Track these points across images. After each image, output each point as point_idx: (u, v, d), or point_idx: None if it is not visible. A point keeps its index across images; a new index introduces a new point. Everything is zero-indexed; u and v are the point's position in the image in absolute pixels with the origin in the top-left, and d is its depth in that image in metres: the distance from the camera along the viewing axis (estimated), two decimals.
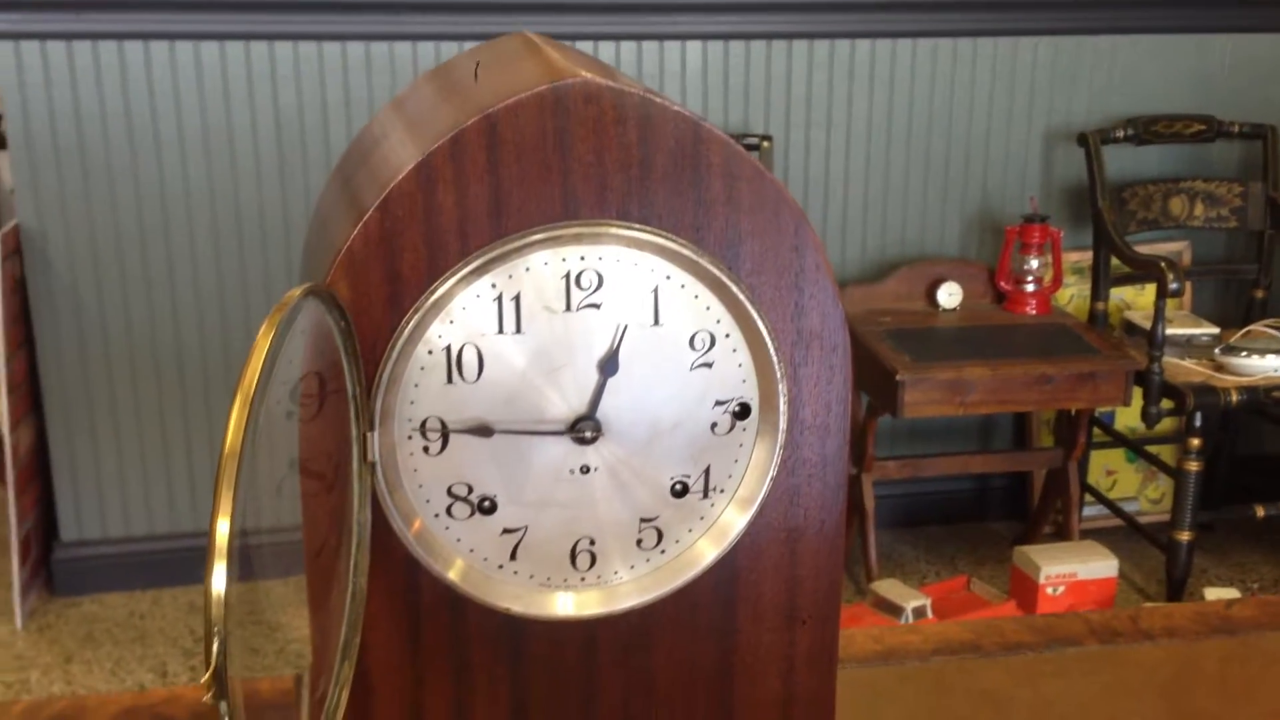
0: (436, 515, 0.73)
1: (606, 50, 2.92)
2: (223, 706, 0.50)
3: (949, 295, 3.02)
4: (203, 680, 0.49)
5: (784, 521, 0.78)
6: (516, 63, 0.77)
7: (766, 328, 0.74)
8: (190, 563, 2.99)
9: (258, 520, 0.57)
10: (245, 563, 0.52)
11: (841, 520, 0.79)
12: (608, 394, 0.73)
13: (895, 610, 2.65)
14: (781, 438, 0.76)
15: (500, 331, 0.71)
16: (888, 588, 2.71)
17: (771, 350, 0.74)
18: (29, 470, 3.00)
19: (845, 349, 0.76)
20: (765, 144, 2.92)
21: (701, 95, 2.95)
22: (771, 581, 0.79)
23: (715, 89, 2.96)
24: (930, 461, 3.05)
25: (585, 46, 2.89)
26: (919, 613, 2.64)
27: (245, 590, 0.51)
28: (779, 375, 0.74)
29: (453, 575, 0.73)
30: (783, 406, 0.75)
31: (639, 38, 2.91)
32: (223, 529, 0.49)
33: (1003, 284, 3.02)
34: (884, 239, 3.12)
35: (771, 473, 0.76)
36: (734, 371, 0.75)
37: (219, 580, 0.49)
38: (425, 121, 0.76)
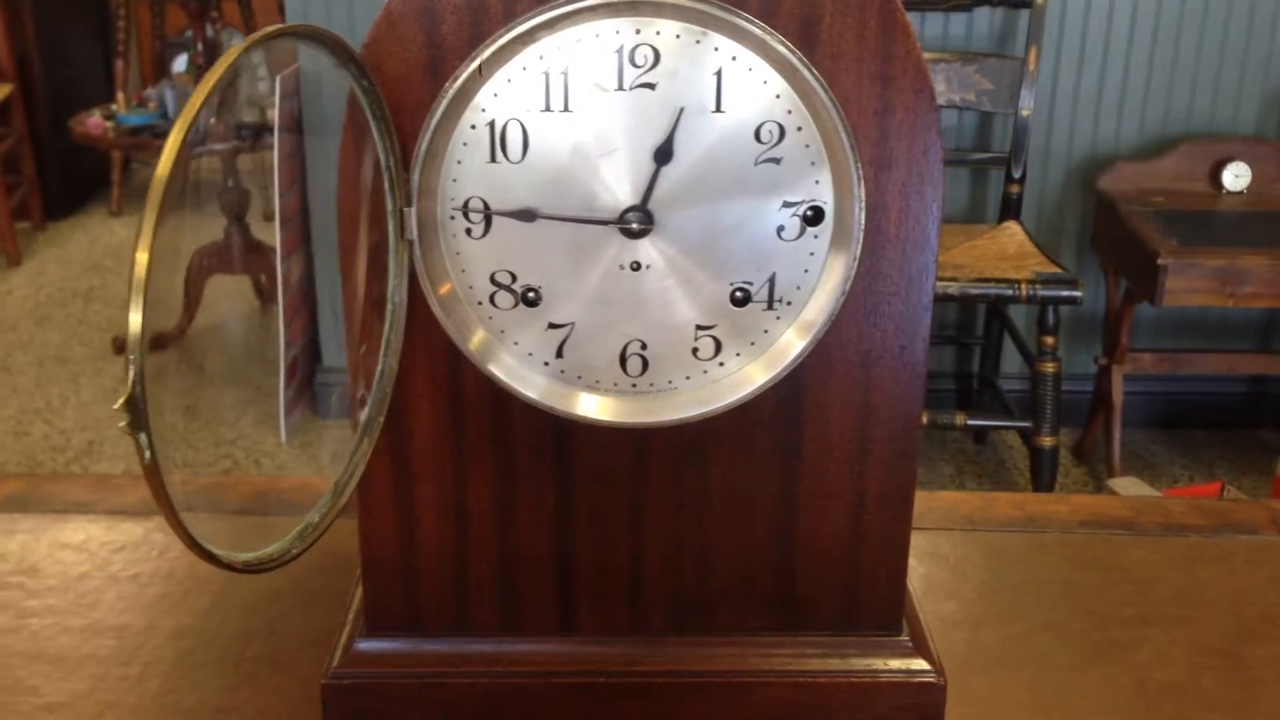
0: (480, 303, 0.70)
1: None
2: (142, 438, 0.49)
3: (1235, 177, 2.74)
4: (115, 406, 0.48)
5: (857, 343, 0.71)
6: None
7: (843, 122, 0.66)
8: None
9: None
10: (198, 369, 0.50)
11: (924, 348, 0.71)
12: (661, 184, 0.67)
13: (1162, 497, 2.48)
14: (858, 249, 0.68)
15: (547, 109, 0.66)
16: (1125, 485, 2.54)
17: (848, 148, 0.66)
18: (298, 299, 3.19)
19: (937, 153, 0.67)
20: (1038, 1, 2.70)
21: None
22: (841, 408, 0.72)
23: None
24: (1194, 357, 2.81)
25: None
26: None
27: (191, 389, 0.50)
28: (856, 178, 0.67)
29: (494, 368, 0.70)
30: (859, 214, 0.67)
31: None
32: (141, 261, 0.48)
33: None
34: (1167, 111, 2.84)
35: (845, 287, 0.69)
36: (806, 170, 0.67)
37: (136, 314, 0.48)
38: None
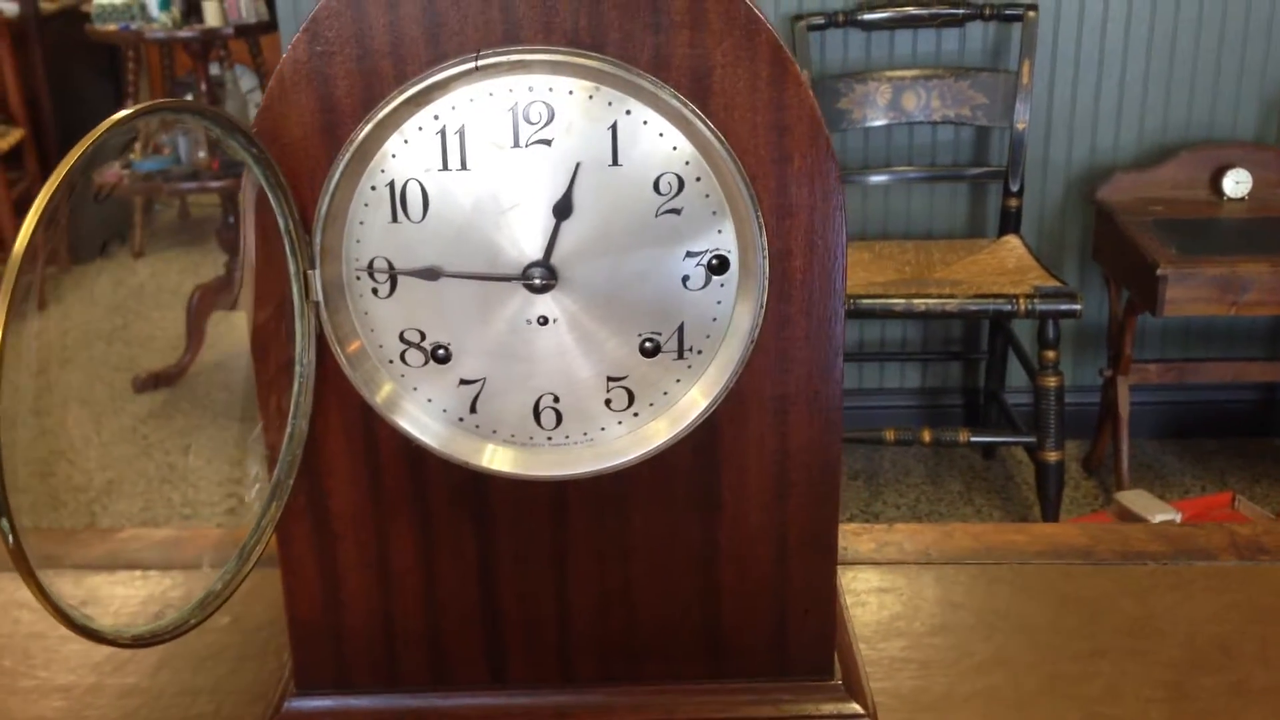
0: (391, 361, 0.70)
1: None
2: (3, 523, 0.50)
3: (1236, 183, 2.72)
4: None
5: (770, 389, 0.70)
6: None
7: (741, 172, 0.66)
8: None
9: None
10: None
11: (838, 391, 0.71)
12: (563, 239, 0.67)
13: (1139, 523, 2.45)
14: (764, 296, 0.68)
15: (445, 168, 0.66)
16: (1133, 498, 2.50)
17: (748, 198, 0.66)
18: None
19: (839, 199, 0.67)
20: (1030, 14, 2.69)
21: None
22: (757, 454, 0.72)
23: None
24: (1200, 366, 2.78)
25: None
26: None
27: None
28: (758, 226, 0.67)
29: (407, 424, 0.71)
30: (763, 262, 0.67)
31: None
32: None
33: None
34: (1165, 120, 2.83)
35: (754, 335, 0.69)
36: (707, 220, 0.67)
37: None
38: None
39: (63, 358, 3.92)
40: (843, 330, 0.70)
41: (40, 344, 4.04)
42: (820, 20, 2.74)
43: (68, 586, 0.99)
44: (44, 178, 3.45)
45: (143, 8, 3.63)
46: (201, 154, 3.64)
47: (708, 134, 0.65)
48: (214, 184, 3.19)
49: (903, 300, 2.41)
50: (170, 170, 3.70)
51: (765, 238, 0.67)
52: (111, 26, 3.69)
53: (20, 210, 4.42)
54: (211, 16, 3.53)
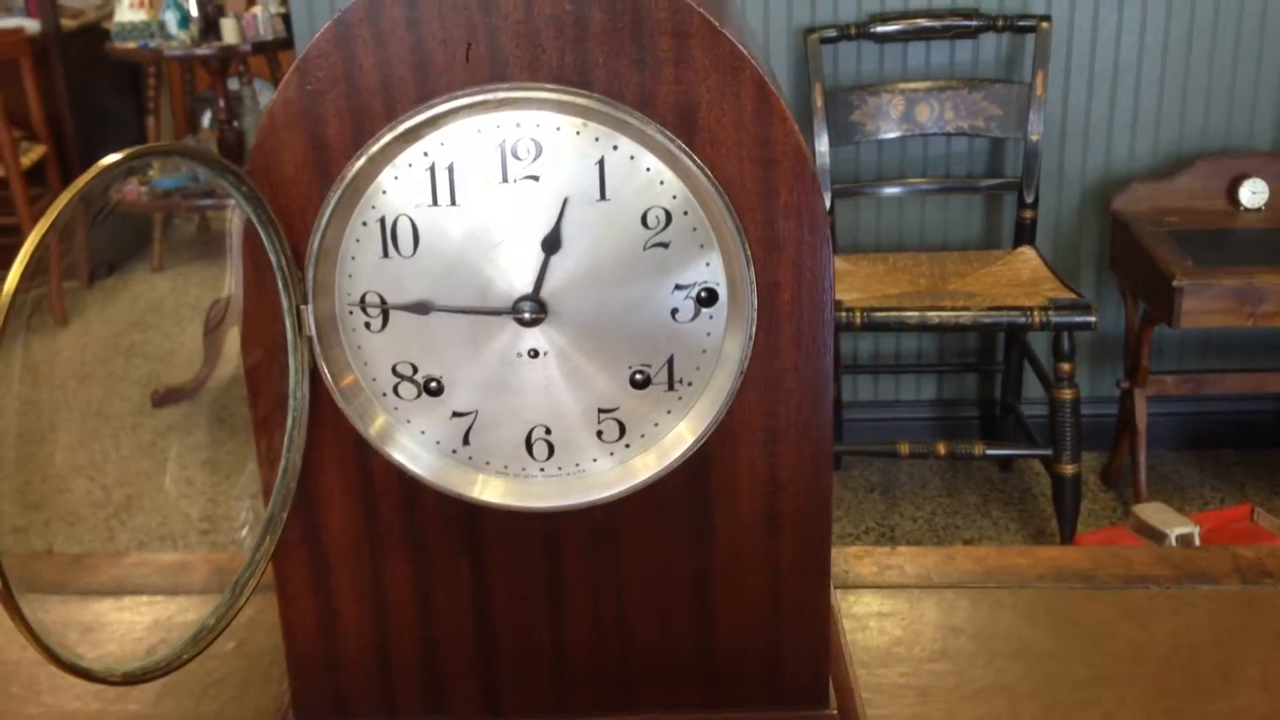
0: (384, 394, 0.71)
1: None
2: None
3: (1253, 194, 2.70)
4: None
5: (761, 420, 0.71)
6: None
7: (728, 206, 0.66)
8: None
9: None
10: None
11: (828, 421, 0.71)
12: (552, 274, 0.68)
13: (1157, 536, 2.44)
14: (753, 329, 0.68)
15: (435, 203, 0.67)
16: (1151, 511, 2.49)
17: (735, 231, 0.66)
18: None
19: (825, 232, 0.67)
20: (1044, 25, 2.68)
21: None
22: (749, 484, 0.72)
23: None
24: (1218, 378, 2.76)
25: None
26: (1184, 540, 2.42)
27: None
28: (746, 260, 0.67)
29: (400, 456, 0.71)
30: (752, 295, 0.67)
31: None
32: None
33: None
34: (1180, 130, 2.81)
35: (743, 366, 0.69)
36: (695, 254, 0.68)
37: None
38: None
39: (82, 373, 3.95)
40: (831, 361, 0.70)
41: (61, 360, 4.08)
42: (833, 33, 2.74)
43: (73, 612, 1.00)
44: None
45: (161, 26, 3.66)
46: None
47: (694, 169, 0.65)
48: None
49: (917, 313, 2.41)
50: (188, 187, 3.73)
51: (753, 270, 0.67)
52: (131, 44, 3.72)
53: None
54: (229, 34, 3.56)
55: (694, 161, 0.65)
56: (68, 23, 4.73)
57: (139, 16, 3.75)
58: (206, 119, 4.74)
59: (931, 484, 2.95)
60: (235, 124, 3.67)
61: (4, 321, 0.47)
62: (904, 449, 2.58)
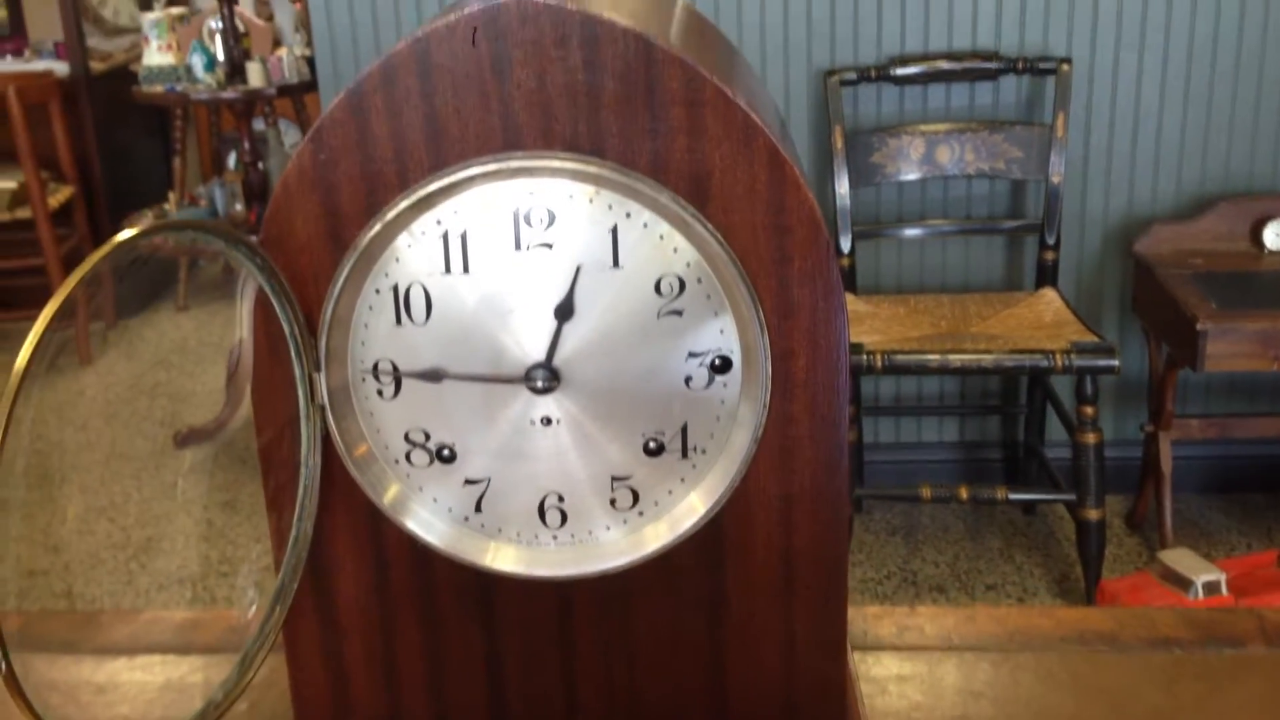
0: (396, 461, 0.71)
1: None
2: None
3: (1277, 235, 2.69)
4: None
5: (775, 487, 0.70)
6: None
7: (742, 274, 0.66)
8: None
9: None
10: None
11: (844, 488, 0.70)
12: (566, 341, 0.67)
13: (1183, 583, 2.41)
14: (767, 396, 0.68)
15: (448, 271, 0.67)
16: (1176, 558, 2.46)
17: (749, 299, 0.66)
18: None
19: (840, 299, 0.67)
20: (1064, 68, 2.68)
21: (994, 14, 2.74)
22: (763, 551, 0.71)
23: (1011, 7, 2.74)
24: (1244, 421, 2.73)
25: None
26: (1210, 588, 2.39)
27: None
28: (760, 327, 0.66)
29: (413, 524, 0.71)
30: (766, 363, 0.67)
31: None
32: None
33: None
34: (1203, 171, 2.80)
35: (757, 434, 0.68)
36: (709, 321, 0.67)
37: None
38: None
39: (106, 413, 3.97)
40: (847, 428, 0.69)
41: (84, 399, 4.10)
42: (853, 75, 2.75)
43: (86, 672, 0.99)
44: (93, 235, 3.51)
45: (188, 69, 3.70)
46: (239, 207, 3.69)
47: (708, 236, 0.65)
48: (254, 238, 3.23)
49: (938, 356, 2.39)
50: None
51: (768, 338, 0.67)
52: (158, 88, 3.76)
53: (69, 266, 4.50)
54: (255, 78, 3.59)
55: (707, 229, 0.65)
56: (97, 65, 4.78)
57: (166, 60, 3.79)
58: (232, 160, 4.77)
59: (954, 527, 2.93)
60: (260, 165, 3.69)
61: (13, 402, 0.47)
62: (926, 493, 2.56)
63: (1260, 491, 2.95)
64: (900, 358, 2.40)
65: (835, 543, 0.71)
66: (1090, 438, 2.48)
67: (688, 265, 0.66)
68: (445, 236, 0.66)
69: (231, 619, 1.05)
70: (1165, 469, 2.65)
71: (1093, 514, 2.51)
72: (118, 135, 4.84)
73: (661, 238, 0.66)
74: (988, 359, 2.39)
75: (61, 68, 4.67)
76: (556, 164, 0.64)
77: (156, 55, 3.82)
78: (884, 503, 3.01)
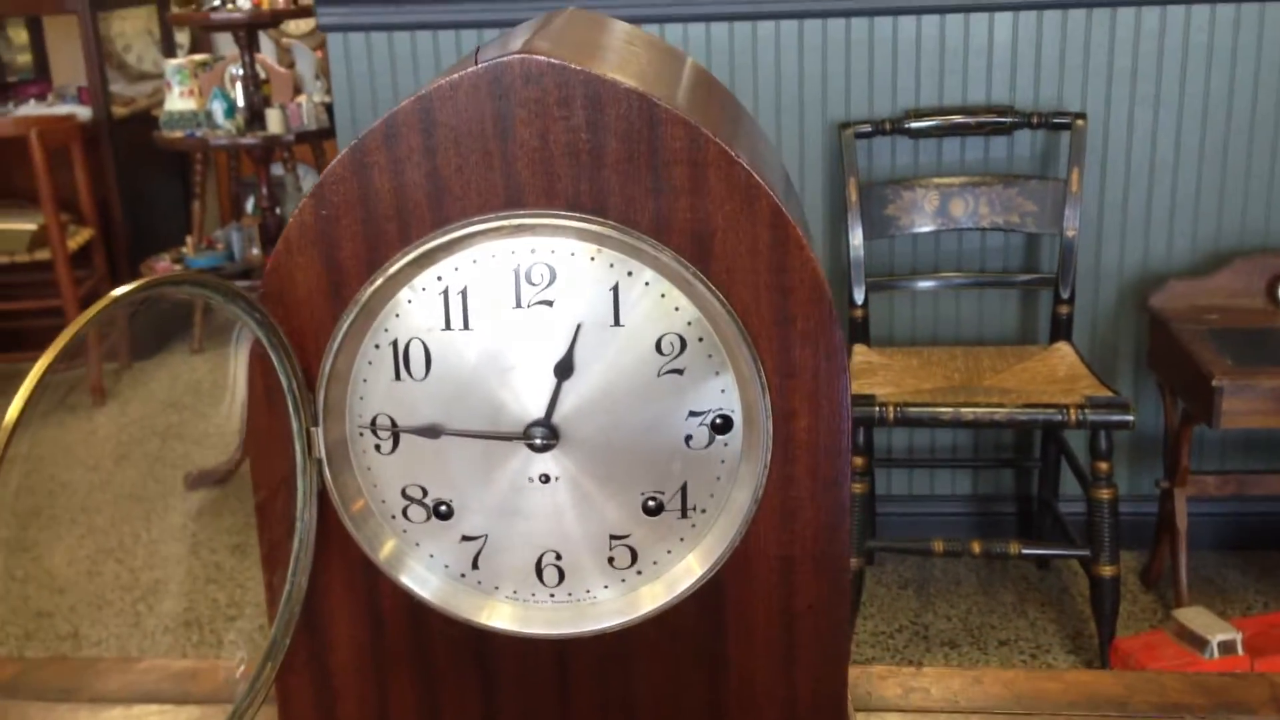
0: (393, 517, 0.70)
1: (907, 24, 2.77)
2: None
3: None
4: None
5: (776, 548, 0.69)
6: (515, 39, 0.73)
7: (744, 334, 0.65)
8: None
9: None
10: None
11: (846, 550, 0.69)
12: (565, 399, 0.67)
13: (1198, 642, 2.38)
14: (768, 456, 0.67)
15: (448, 328, 0.67)
16: (1192, 616, 2.43)
17: (751, 359, 0.65)
18: None
19: (843, 360, 0.66)
20: (1079, 122, 2.68)
21: (1010, 69, 2.75)
22: (764, 613, 0.70)
23: (1025, 62, 2.75)
24: (1261, 479, 2.70)
25: (883, 20, 2.76)
26: (1226, 647, 2.36)
27: None
28: (762, 387, 0.66)
29: (409, 581, 0.70)
30: (767, 423, 0.66)
31: (942, 10, 2.74)
32: None
33: None
34: (1218, 227, 2.79)
35: (758, 495, 0.67)
36: (710, 380, 0.67)
37: None
38: None
39: (118, 453, 3.98)
40: (849, 489, 0.69)
41: (96, 439, 4.11)
42: (867, 128, 2.76)
43: None
44: (111, 276, 3.52)
45: (208, 115, 3.73)
46: (255, 251, 3.71)
47: (709, 296, 0.65)
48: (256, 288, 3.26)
49: (951, 409, 2.38)
50: (224, 267, 3.77)
51: (769, 398, 0.66)
52: (178, 133, 3.80)
53: (86, 308, 4.52)
54: (274, 124, 3.62)
55: (709, 288, 0.65)
56: (119, 110, 4.83)
57: (188, 105, 3.83)
58: (250, 204, 4.80)
59: (967, 581, 2.90)
60: (277, 210, 3.72)
61: (4, 447, 0.47)
62: (938, 547, 2.53)
63: (1277, 549, 2.92)
64: (913, 410, 2.39)
65: (837, 605, 0.70)
66: (1105, 493, 2.45)
67: (689, 324, 0.66)
68: (446, 293, 0.66)
69: (230, 669, 1.05)
70: (1181, 525, 2.63)
71: (1107, 570, 2.48)
72: (138, 179, 4.88)
73: (663, 296, 0.66)
74: (1001, 413, 2.37)
75: (84, 112, 4.71)
76: (558, 222, 0.64)
77: (178, 101, 3.86)
78: (896, 555, 2.98)
